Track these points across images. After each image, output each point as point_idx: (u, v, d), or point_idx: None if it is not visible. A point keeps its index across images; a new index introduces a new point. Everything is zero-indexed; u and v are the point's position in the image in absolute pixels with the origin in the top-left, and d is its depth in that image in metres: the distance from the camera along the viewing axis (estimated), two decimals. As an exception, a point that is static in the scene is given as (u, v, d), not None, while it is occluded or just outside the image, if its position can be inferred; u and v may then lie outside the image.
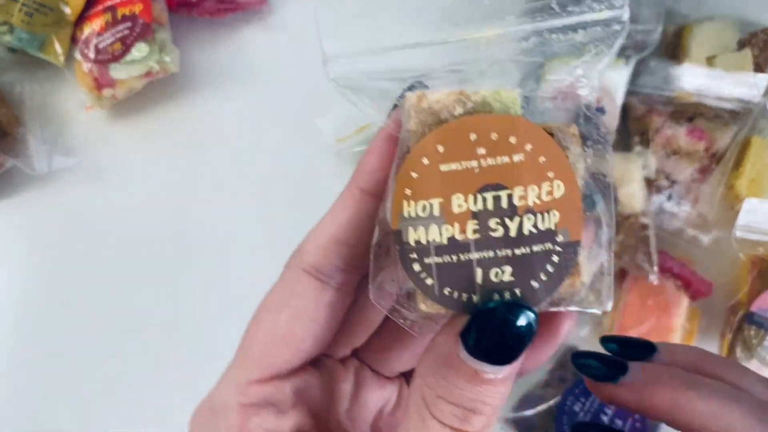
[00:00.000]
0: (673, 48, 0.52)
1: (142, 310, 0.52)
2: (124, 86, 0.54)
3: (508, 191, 0.20)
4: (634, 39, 0.50)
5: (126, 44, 0.53)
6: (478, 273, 0.20)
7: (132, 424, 0.49)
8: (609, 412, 0.44)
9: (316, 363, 0.27)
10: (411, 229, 0.20)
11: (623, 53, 0.49)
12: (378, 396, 0.28)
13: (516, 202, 0.20)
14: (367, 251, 0.22)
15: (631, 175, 0.48)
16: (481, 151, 0.20)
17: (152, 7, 0.54)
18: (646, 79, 0.50)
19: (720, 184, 0.49)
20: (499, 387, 0.20)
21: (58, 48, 0.54)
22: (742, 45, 0.50)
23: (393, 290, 0.21)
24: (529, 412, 0.46)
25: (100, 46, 0.53)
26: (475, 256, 0.20)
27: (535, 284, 0.20)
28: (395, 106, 0.22)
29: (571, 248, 0.20)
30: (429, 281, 0.20)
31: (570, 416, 0.44)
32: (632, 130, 0.51)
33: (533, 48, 0.21)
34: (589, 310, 0.21)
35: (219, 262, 0.52)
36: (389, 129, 0.22)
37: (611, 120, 0.49)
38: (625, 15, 0.21)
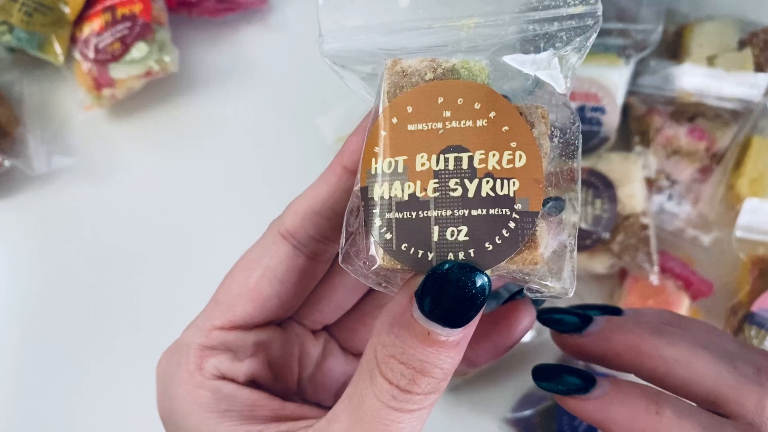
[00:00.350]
0: (674, 48, 0.52)
1: (142, 309, 0.52)
2: (123, 86, 0.54)
3: (469, 153, 0.21)
4: (634, 39, 0.50)
5: (125, 44, 0.53)
6: (435, 231, 0.21)
7: (132, 422, 0.49)
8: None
9: (285, 326, 0.28)
10: (376, 186, 0.21)
11: (623, 53, 0.49)
12: (343, 369, 0.29)
13: (476, 164, 0.21)
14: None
15: (631, 175, 0.48)
16: (447, 114, 0.21)
17: (152, 6, 0.54)
18: (647, 79, 0.50)
19: (721, 184, 0.49)
20: (450, 351, 0.21)
21: (57, 48, 0.54)
22: (742, 44, 0.50)
23: (360, 252, 0.22)
24: (529, 412, 0.45)
25: (100, 45, 0.53)
26: (433, 213, 0.21)
27: (489, 246, 0.20)
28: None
29: (528, 218, 0.21)
30: (388, 236, 0.21)
31: (570, 416, 0.44)
32: (633, 129, 0.51)
33: (510, 37, 0.22)
34: (549, 285, 0.21)
35: (219, 261, 0.52)
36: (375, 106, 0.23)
37: (612, 120, 0.49)
38: (599, 10, 0.22)
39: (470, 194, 0.21)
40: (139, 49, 0.53)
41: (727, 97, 0.48)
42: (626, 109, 0.51)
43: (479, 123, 0.21)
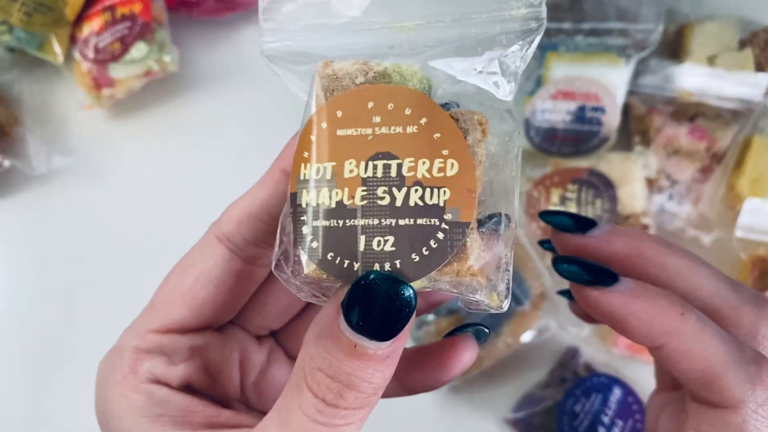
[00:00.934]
0: (674, 47, 0.52)
1: (142, 308, 0.52)
2: (123, 86, 0.54)
3: (398, 161, 0.20)
4: (634, 38, 0.50)
5: (125, 44, 0.53)
6: (362, 240, 0.20)
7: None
8: (609, 413, 0.44)
9: (225, 330, 0.28)
10: (305, 192, 0.20)
11: (624, 52, 0.49)
12: (287, 377, 0.29)
13: (405, 172, 0.20)
14: None
15: (631, 175, 0.47)
16: (377, 119, 0.20)
17: (151, 6, 0.54)
18: (647, 79, 0.50)
19: (721, 184, 0.49)
20: (378, 365, 0.20)
21: (56, 47, 0.54)
22: (743, 44, 0.50)
23: (289, 260, 0.21)
24: (529, 412, 0.45)
25: (99, 45, 0.53)
26: (360, 222, 0.20)
27: (415, 257, 0.20)
28: None
29: (458, 228, 0.20)
30: (315, 244, 0.20)
31: (570, 417, 0.44)
32: (633, 129, 0.51)
33: (452, 38, 0.22)
34: (481, 300, 0.21)
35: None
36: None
37: (612, 119, 0.49)
38: (543, 13, 0.21)
39: (398, 203, 0.20)
40: (138, 49, 0.53)
41: (728, 96, 0.48)
42: (626, 109, 0.51)
43: (409, 129, 0.20)
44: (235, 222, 0.25)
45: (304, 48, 0.22)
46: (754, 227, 0.46)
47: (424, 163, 0.20)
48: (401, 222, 0.20)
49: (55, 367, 0.51)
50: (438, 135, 0.20)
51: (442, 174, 0.20)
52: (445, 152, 0.20)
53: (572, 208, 0.47)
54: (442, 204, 0.20)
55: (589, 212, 0.47)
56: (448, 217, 0.20)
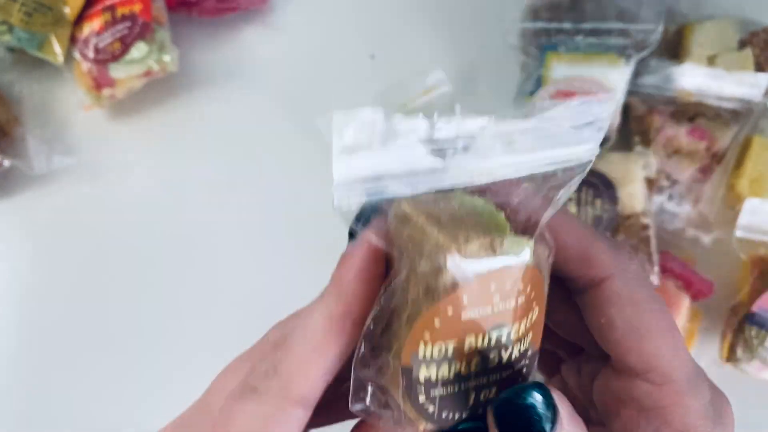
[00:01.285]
0: (674, 47, 0.52)
1: (142, 309, 0.52)
2: (123, 86, 0.54)
3: (509, 329, 0.21)
4: (634, 38, 0.50)
5: (125, 44, 0.53)
6: (472, 396, 0.22)
7: (133, 420, 0.49)
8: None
9: None
10: (423, 368, 0.21)
11: (624, 52, 0.49)
12: None
13: (513, 336, 0.21)
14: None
15: (631, 175, 0.47)
16: (497, 298, 0.21)
17: (152, 6, 0.54)
18: (647, 79, 0.50)
19: (721, 184, 0.49)
20: None
21: (56, 47, 0.54)
22: (743, 44, 0.50)
23: (376, 407, 0.22)
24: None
25: (100, 45, 0.53)
26: (473, 383, 0.22)
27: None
28: (367, 217, 0.22)
29: (534, 358, 0.22)
30: (431, 409, 0.21)
31: (571, 417, 0.44)
32: (633, 129, 0.51)
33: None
34: None
35: (218, 262, 0.52)
36: (372, 243, 0.22)
37: (612, 120, 0.49)
38: (596, 152, 0.23)
39: (504, 361, 0.22)
40: (138, 49, 0.53)
41: (728, 96, 0.48)
42: (627, 109, 0.51)
43: (520, 300, 0.21)
44: (314, 384, 0.23)
45: (383, 197, 0.21)
46: (754, 227, 0.46)
47: (524, 322, 0.22)
48: (504, 374, 0.22)
49: (55, 367, 0.51)
50: (534, 294, 0.22)
51: (530, 323, 0.22)
52: (534, 305, 0.22)
53: (572, 209, 0.47)
54: (527, 346, 0.22)
55: (589, 212, 0.47)
56: (529, 353, 0.22)
